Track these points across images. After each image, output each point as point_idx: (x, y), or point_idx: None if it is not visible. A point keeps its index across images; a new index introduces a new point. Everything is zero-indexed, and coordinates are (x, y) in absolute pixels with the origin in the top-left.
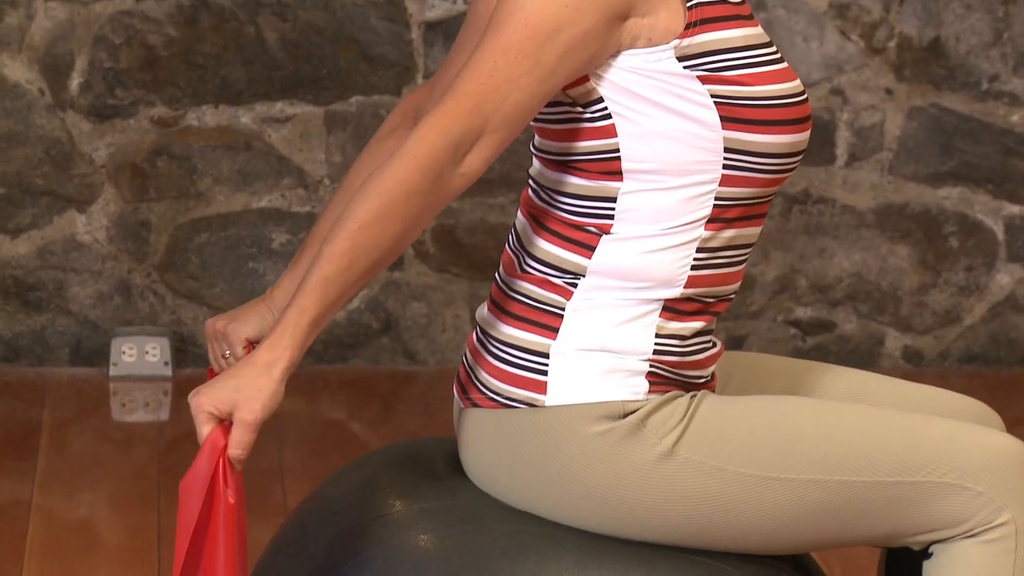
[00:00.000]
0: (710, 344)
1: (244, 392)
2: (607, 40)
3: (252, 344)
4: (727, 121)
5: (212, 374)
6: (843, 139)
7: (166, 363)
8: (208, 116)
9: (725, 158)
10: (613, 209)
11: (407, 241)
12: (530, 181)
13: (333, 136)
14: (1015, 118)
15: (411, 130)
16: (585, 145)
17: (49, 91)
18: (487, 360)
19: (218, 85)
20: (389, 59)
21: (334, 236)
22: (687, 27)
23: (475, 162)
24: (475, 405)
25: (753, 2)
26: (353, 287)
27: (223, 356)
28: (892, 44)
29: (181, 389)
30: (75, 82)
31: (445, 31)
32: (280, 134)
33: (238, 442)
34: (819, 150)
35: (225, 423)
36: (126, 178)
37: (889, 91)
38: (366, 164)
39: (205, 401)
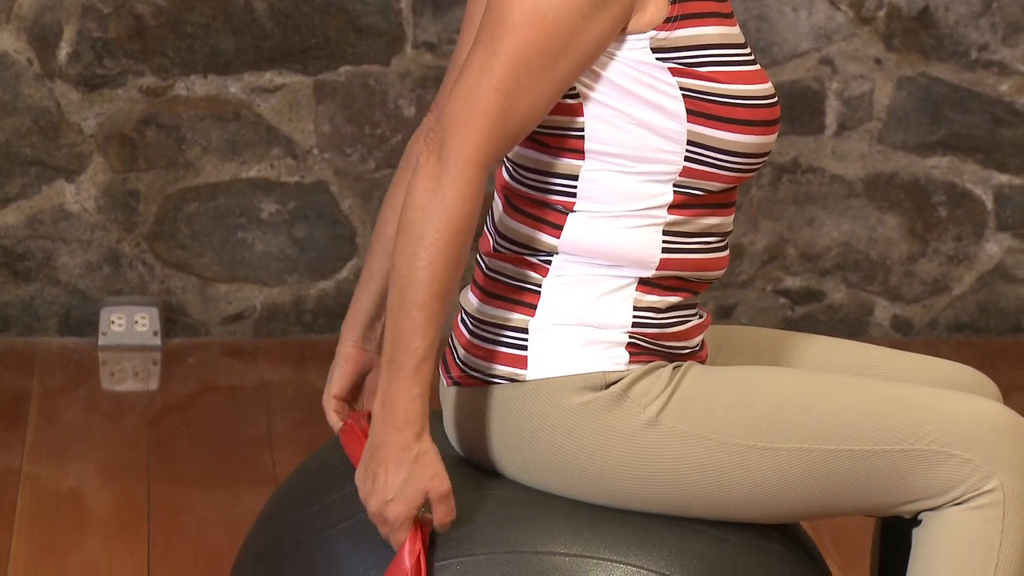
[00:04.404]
0: (694, 315)
1: (423, 474)
2: (611, 40)
3: (341, 400)
4: (693, 115)
5: (347, 426)
6: (832, 108)
7: (155, 333)
8: (197, 86)
9: (687, 150)
10: (575, 187)
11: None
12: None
13: (322, 106)
14: (1004, 87)
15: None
16: (551, 119)
17: (37, 61)
18: (468, 339)
19: (207, 55)
20: (378, 28)
21: (412, 303)
22: (667, 20)
23: (496, 167)
24: (456, 383)
25: None
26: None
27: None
28: (881, 14)
29: (170, 358)
30: (63, 52)
31: (434, 1)
32: (269, 104)
33: (447, 511)
34: (808, 119)
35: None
36: (115, 148)
37: (878, 61)
38: (399, 190)
39: (403, 509)
